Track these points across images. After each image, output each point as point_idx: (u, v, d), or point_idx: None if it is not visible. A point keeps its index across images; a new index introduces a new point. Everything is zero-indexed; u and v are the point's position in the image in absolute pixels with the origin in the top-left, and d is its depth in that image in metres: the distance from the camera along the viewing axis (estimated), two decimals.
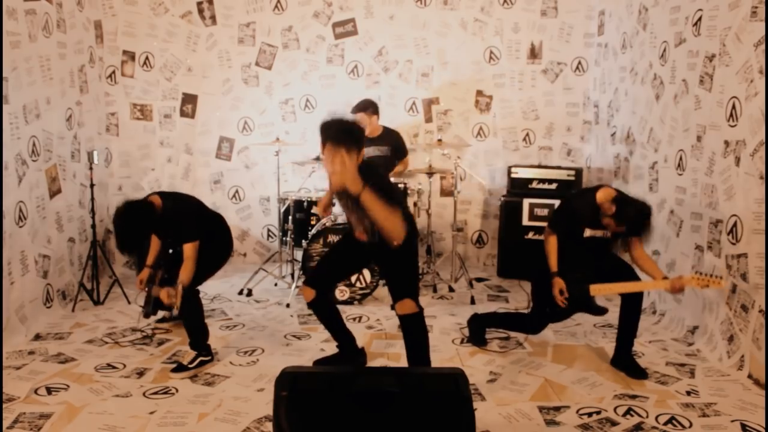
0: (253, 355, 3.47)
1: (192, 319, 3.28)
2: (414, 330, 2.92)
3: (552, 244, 3.21)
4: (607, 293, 3.17)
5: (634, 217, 3.00)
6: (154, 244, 3.63)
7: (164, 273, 3.51)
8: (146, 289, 3.47)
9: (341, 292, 4.40)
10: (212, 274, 3.53)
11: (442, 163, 5.46)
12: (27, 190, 3.89)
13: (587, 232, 3.17)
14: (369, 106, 4.85)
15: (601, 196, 3.10)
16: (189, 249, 3.23)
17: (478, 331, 3.67)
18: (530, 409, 2.83)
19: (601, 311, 3.19)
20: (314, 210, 4.73)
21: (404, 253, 2.88)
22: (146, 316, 3.53)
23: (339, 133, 2.71)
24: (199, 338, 3.28)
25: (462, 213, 5.76)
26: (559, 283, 3.15)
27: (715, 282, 2.93)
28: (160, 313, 4.00)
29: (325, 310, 3.22)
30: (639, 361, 3.30)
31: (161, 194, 3.35)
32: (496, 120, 5.71)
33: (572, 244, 3.20)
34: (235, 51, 5.58)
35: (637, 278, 3.19)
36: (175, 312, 3.07)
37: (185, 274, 3.18)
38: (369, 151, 4.71)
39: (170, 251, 3.47)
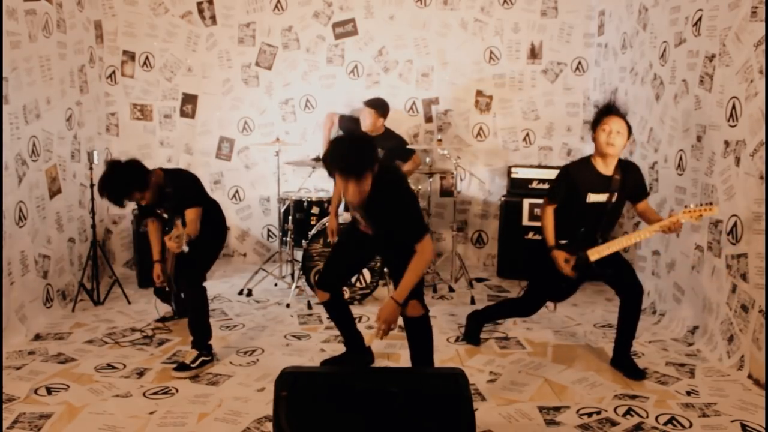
0: (253, 355, 3.47)
1: (197, 316, 3.29)
2: (419, 332, 2.88)
3: (549, 216, 3.20)
4: (606, 254, 3.12)
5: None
6: (154, 236, 3.64)
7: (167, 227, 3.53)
8: (164, 282, 3.63)
9: (342, 292, 4.39)
10: (209, 267, 3.56)
11: (442, 163, 5.46)
12: (27, 190, 3.89)
13: (590, 197, 3.16)
14: (380, 107, 4.83)
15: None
16: (191, 212, 3.24)
17: (474, 329, 3.67)
18: (530, 409, 2.83)
19: (607, 274, 3.18)
20: (315, 218, 4.73)
21: (409, 251, 2.81)
22: (177, 299, 3.77)
23: (347, 166, 2.56)
24: (201, 337, 3.28)
25: (462, 213, 5.77)
26: (561, 255, 3.13)
27: (707, 209, 2.96)
28: (162, 311, 4.01)
29: (339, 310, 3.21)
30: (639, 361, 3.30)
31: (164, 170, 3.44)
32: (496, 120, 5.71)
33: (574, 211, 3.18)
34: (235, 51, 5.58)
35: (624, 260, 3.24)
36: (185, 248, 3.01)
37: (191, 229, 3.18)
38: None
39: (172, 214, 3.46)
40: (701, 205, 2.98)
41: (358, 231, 3.04)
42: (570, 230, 3.18)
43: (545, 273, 3.25)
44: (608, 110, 3.17)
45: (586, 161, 3.22)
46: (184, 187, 3.37)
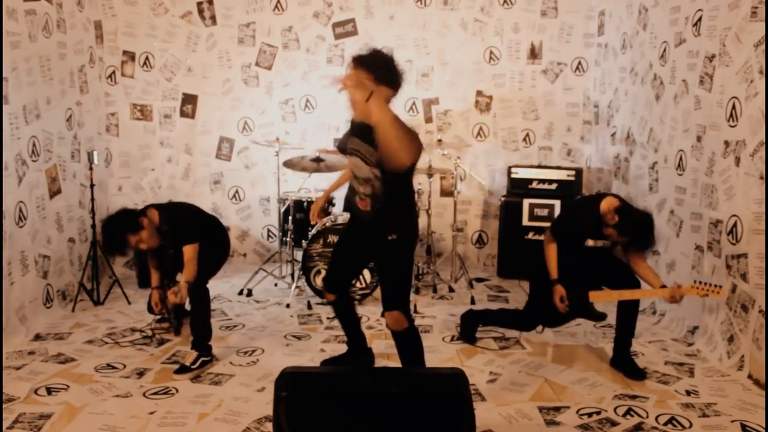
0: (253, 356, 3.47)
1: (199, 316, 3.30)
2: (405, 344, 2.84)
3: (552, 251, 3.20)
4: (606, 300, 3.18)
5: (637, 229, 3.01)
6: (153, 262, 3.64)
7: (168, 281, 3.62)
8: (163, 309, 3.64)
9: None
10: (213, 275, 3.56)
11: (442, 163, 5.46)
12: (27, 190, 3.89)
13: (589, 242, 3.18)
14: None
15: (604, 206, 3.09)
16: (189, 251, 3.28)
17: (469, 328, 3.68)
18: (530, 409, 2.83)
19: (601, 317, 3.21)
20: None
21: (401, 251, 2.79)
22: (176, 330, 3.75)
23: (375, 62, 2.65)
24: (202, 338, 3.29)
25: (462, 213, 5.76)
26: (559, 291, 3.16)
27: (714, 291, 2.93)
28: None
29: (345, 310, 3.20)
30: (639, 361, 3.30)
31: (157, 206, 3.43)
32: (496, 120, 5.71)
33: (572, 251, 3.20)
34: (235, 51, 5.58)
35: (637, 282, 3.18)
36: (187, 307, 3.20)
37: (188, 273, 3.25)
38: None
39: (171, 251, 3.49)
40: (710, 284, 2.95)
41: (355, 228, 2.99)
42: (570, 268, 3.20)
43: (544, 300, 3.26)
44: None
45: (596, 210, 3.11)
46: (179, 224, 3.37)
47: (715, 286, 2.94)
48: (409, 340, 2.83)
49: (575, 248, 3.20)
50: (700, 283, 2.97)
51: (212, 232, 3.58)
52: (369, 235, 2.84)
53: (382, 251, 2.80)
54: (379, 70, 2.65)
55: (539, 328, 3.57)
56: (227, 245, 3.76)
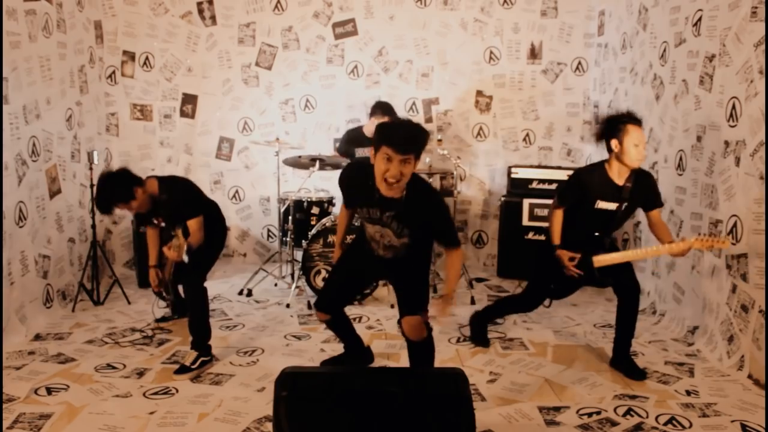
0: (253, 356, 3.47)
1: (197, 316, 3.29)
2: (423, 353, 2.79)
3: (558, 217, 3.21)
4: (610, 263, 3.14)
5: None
6: (152, 241, 3.65)
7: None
8: (161, 288, 3.67)
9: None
10: (210, 267, 3.56)
11: (442, 163, 5.46)
12: (27, 190, 3.89)
13: (600, 204, 3.15)
14: (387, 113, 4.69)
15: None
16: (194, 223, 3.29)
17: (480, 330, 3.67)
18: (530, 409, 2.83)
19: (606, 283, 3.19)
20: (315, 218, 4.73)
21: (420, 265, 2.80)
22: (174, 310, 3.80)
23: (412, 141, 2.45)
24: (201, 338, 3.28)
25: (462, 213, 5.76)
26: (565, 254, 3.15)
27: (719, 241, 2.91)
28: (161, 312, 4.02)
29: (341, 326, 3.15)
30: (638, 361, 3.30)
31: (158, 178, 3.43)
32: (496, 120, 5.71)
33: (581, 216, 3.19)
34: (235, 51, 5.58)
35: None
36: (185, 258, 3.15)
37: (194, 239, 3.27)
38: (366, 152, 4.71)
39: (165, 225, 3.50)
40: (715, 235, 2.95)
41: (363, 257, 2.90)
42: (576, 233, 3.19)
43: (548, 271, 3.25)
44: (634, 120, 3.09)
45: (600, 168, 3.18)
46: (181, 199, 3.36)
47: (720, 236, 2.92)
48: (425, 351, 2.78)
49: (585, 213, 3.17)
50: (705, 234, 2.96)
51: (211, 217, 3.56)
52: (383, 264, 2.85)
53: (401, 269, 2.81)
54: (420, 150, 2.49)
55: (546, 302, 3.52)
56: (224, 231, 3.73)
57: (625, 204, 3.16)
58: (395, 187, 2.49)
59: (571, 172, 3.40)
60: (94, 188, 3.35)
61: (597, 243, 3.20)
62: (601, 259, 3.13)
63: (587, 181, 3.18)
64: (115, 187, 3.25)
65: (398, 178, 2.44)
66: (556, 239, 3.20)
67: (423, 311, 2.71)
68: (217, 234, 3.66)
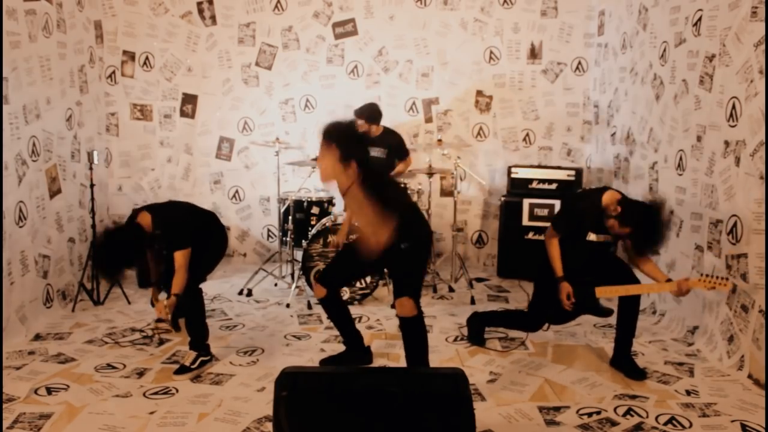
0: (253, 355, 3.47)
1: (194, 318, 3.29)
2: (412, 332, 2.91)
3: (555, 247, 3.19)
4: (612, 295, 3.17)
5: (639, 220, 2.96)
6: (152, 263, 3.61)
7: (164, 285, 3.52)
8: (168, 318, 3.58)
9: (342, 292, 4.39)
10: (208, 273, 3.55)
11: (442, 163, 5.46)
12: (27, 190, 3.89)
13: (591, 236, 3.16)
14: (363, 115, 4.67)
15: (607, 198, 3.08)
16: (180, 257, 3.20)
17: (477, 330, 3.67)
18: (530, 409, 2.83)
19: (607, 313, 3.19)
20: (315, 218, 4.74)
21: (415, 256, 2.89)
22: (175, 326, 3.68)
23: (329, 131, 2.77)
24: (199, 338, 3.28)
25: (462, 213, 5.76)
26: (566, 288, 3.14)
27: (721, 284, 2.93)
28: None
29: (335, 308, 3.25)
30: (639, 361, 3.30)
31: (150, 208, 3.35)
32: (496, 120, 5.71)
33: (573, 245, 3.19)
34: (235, 51, 5.58)
35: (636, 279, 3.18)
36: (167, 318, 3.24)
37: (177, 284, 3.18)
38: (377, 152, 4.71)
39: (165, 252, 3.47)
40: (717, 277, 2.95)
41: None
42: (567, 263, 3.18)
43: (549, 298, 3.25)
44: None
45: (598, 203, 3.09)
46: (171, 232, 3.29)
47: (722, 278, 2.93)
48: (415, 330, 2.90)
49: (577, 243, 3.18)
50: (707, 275, 2.97)
51: (208, 231, 3.53)
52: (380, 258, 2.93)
53: (395, 258, 2.88)
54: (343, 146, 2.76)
55: (545, 326, 3.56)
56: (224, 243, 3.68)
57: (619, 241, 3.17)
58: (321, 171, 2.80)
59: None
60: (100, 250, 3.25)
61: (594, 272, 3.19)
62: (604, 291, 3.14)
63: (582, 212, 3.18)
64: (126, 246, 3.16)
65: (326, 174, 2.77)
66: (559, 270, 3.17)
67: (411, 296, 2.85)
68: (216, 243, 3.62)
